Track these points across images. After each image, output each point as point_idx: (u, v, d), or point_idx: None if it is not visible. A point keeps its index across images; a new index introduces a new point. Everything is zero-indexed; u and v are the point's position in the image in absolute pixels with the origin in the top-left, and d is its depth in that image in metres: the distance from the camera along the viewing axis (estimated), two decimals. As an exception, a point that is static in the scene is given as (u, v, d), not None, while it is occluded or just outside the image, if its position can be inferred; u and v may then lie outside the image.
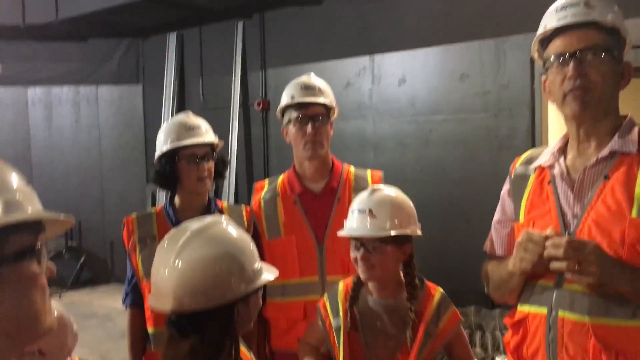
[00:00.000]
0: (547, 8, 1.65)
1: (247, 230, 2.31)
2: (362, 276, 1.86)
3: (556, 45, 1.58)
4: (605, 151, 1.55)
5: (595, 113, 1.56)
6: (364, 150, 5.70)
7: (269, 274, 1.45)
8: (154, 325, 2.26)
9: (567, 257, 1.43)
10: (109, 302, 7.02)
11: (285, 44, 6.26)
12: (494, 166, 4.83)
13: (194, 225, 1.38)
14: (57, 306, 2.19)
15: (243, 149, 6.77)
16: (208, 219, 1.43)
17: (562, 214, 1.58)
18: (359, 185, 2.38)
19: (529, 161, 1.75)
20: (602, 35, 1.54)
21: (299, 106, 2.35)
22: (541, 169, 1.69)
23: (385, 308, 1.89)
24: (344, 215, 1.97)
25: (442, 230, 5.21)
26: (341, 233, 1.89)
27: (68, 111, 8.17)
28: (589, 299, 1.48)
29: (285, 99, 2.40)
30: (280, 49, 6.40)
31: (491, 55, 4.94)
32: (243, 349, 1.55)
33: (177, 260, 1.33)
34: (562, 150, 1.68)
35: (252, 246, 1.44)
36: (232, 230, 1.41)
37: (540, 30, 1.64)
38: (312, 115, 2.33)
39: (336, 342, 1.87)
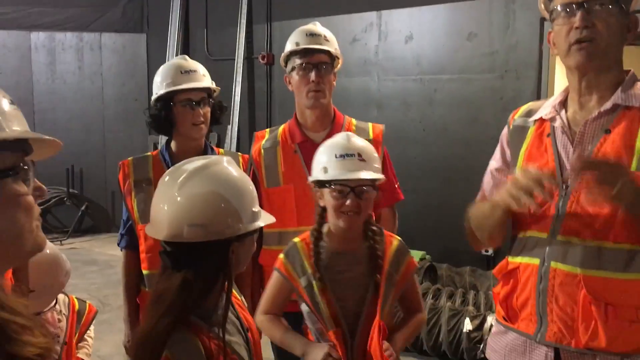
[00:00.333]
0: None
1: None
2: (345, 224, 1.76)
3: None
4: (607, 104, 1.54)
5: (599, 65, 1.54)
6: (367, 108, 5.67)
7: (267, 217, 1.46)
8: (148, 267, 2.29)
9: (589, 168, 1.39)
10: (110, 249, 7.10)
11: (292, -3, 6.18)
12: (498, 128, 4.76)
13: (196, 162, 1.39)
14: (49, 245, 2.23)
15: (246, 102, 6.74)
16: (210, 158, 1.43)
17: (561, 167, 1.57)
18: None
19: (529, 113, 1.73)
20: None
21: (303, 53, 2.31)
22: (541, 122, 1.68)
23: (350, 259, 1.83)
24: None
25: (443, 191, 5.23)
26: (345, 176, 1.74)
27: (71, 58, 8.11)
28: (582, 251, 1.50)
29: (289, 46, 2.37)
30: (287, 2, 6.31)
31: (500, 15, 4.86)
32: (235, 292, 1.56)
33: (177, 194, 1.33)
34: (563, 104, 1.66)
35: (252, 188, 1.44)
36: (233, 170, 1.41)
37: None
38: (317, 63, 2.30)
39: (310, 299, 1.78)
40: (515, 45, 4.83)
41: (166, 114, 2.29)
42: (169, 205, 1.34)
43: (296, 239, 1.89)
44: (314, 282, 1.78)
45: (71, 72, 8.13)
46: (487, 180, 1.83)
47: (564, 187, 1.55)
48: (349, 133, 1.86)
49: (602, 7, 1.49)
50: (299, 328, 1.91)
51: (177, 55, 6.99)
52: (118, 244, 2.44)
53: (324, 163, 1.78)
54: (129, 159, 2.39)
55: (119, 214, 7.85)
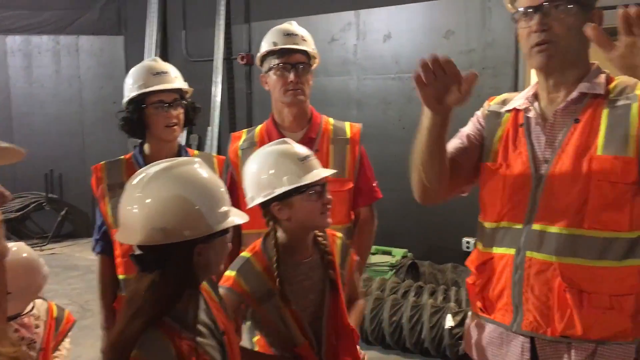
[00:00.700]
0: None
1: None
2: (325, 224, 1.76)
3: None
4: (574, 94, 1.57)
5: (561, 64, 1.56)
6: (347, 107, 5.67)
7: (237, 218, 1.44)
8: (124, 272, 2.28)
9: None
10: (91, 254, 6.90)
11: (270, -3, 6.16)
12: (476, 125, 4.83)
13: (161, 164, 1.38)
14: (25, 249, 2.20)
15: (226, 103, 6.71)
16: (178, 159, 1.42)
17: (534, 157, 1.59)
18: (338, 137, 2.36)
19: (504, 102, 1.76)
20: None
21: (281, 53, 2.29)
22: (515, 112, 1.70)
23: (305, 268, 1.79)
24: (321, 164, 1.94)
25: (423, 188, 5.24)
26: (325, 174, 1.74)
27: (48, 61, 8.00)
28: (557, 239, 1.52)
29: (265, 46, 2.35)
30: (265, 2, 6.28)
31: (477, 12, 4.90)
32: (212, 294, 1.55)
33: (140, 195, 1.33)
34: (536, 96, 1.68)
35: (221, 189, 1.42)
36: (202, 171, 1.39)
37: None
38: (295, 63, 2.29)
39: (271, 314, 1.72)
40: (492, 42, 4.86)
41: (139, 116, 2.26)
42: (132, 207, 1.33)
43: (246, 254, 1.79)
44: (276, 297, 1.70)
45: (48, 76, 8.03)
46: (452, 140, 1.80)
47: (538, 177, 1.56)
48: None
49: (559, 8, 1.51)
50: None
51: (155, 56, 6.97)
52: (92, 249, 2.42)
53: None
54: (102, 162, 2.37)
55: (99, 219, 7.82)
